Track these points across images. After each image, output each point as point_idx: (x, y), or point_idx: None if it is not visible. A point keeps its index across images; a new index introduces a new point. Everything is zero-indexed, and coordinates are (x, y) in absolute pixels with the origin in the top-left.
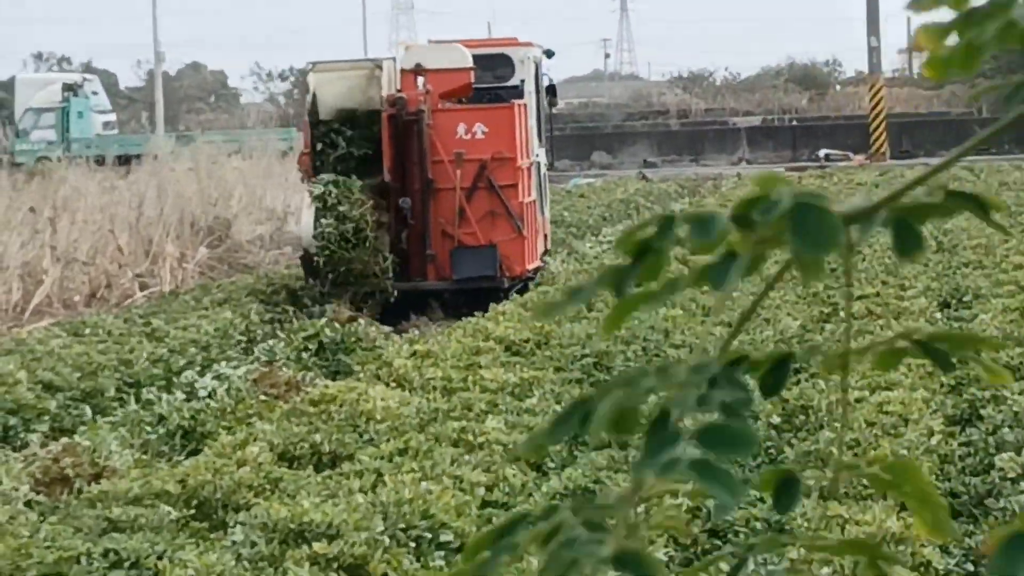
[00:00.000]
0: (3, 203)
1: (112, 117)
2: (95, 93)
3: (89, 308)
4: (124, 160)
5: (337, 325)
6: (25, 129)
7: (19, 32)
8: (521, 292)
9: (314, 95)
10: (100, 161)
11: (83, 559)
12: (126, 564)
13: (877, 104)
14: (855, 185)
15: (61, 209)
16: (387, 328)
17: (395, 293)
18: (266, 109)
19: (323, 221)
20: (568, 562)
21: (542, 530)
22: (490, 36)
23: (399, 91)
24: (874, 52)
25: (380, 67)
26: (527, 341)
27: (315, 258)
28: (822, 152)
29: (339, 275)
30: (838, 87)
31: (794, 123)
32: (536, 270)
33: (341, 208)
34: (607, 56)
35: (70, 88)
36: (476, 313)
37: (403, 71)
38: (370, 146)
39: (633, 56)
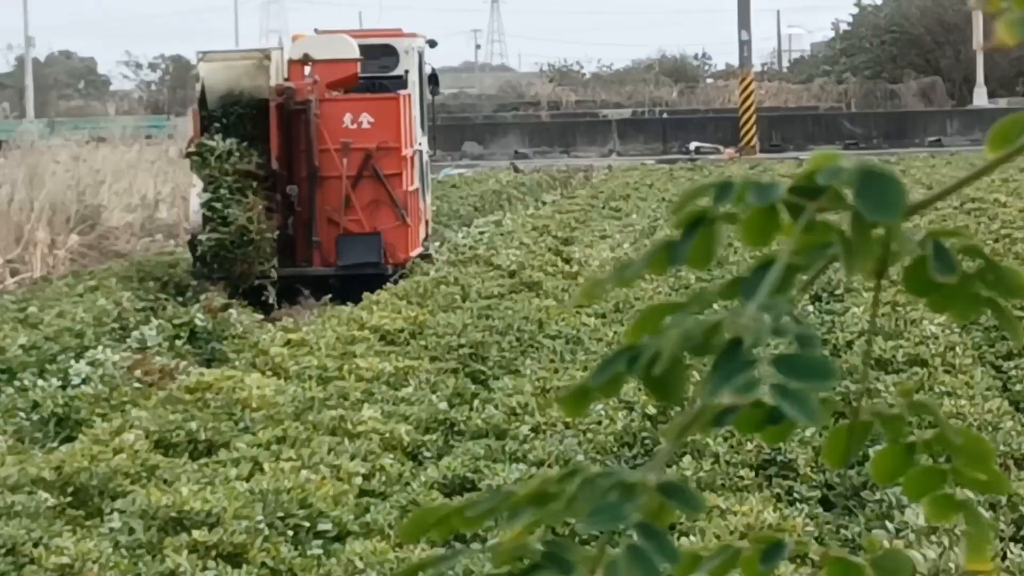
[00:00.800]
0: None
1: None
2: None
3: None
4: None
5: (210, 313)
6: None
7: None
8: (396, 281)
9: (203, 84)
10: None
11: None
12: (2, 551)
13: (747, 98)
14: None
15: None
16: (260, 316)
17: (273, 293)
18: (135, 97)
19: (204, 237)
20: (610, 486)
21: (551, 476)
22: (361, 26)
23: (287, 80)
24: (744, 46)
25: (269, 57)
26: (401, 331)
27: (199, 248)
28: (692, 145)
29: (224, 270)
30: (708, 80)
31: (664, 116)
32: (420, 256)
33: (229, 211)
34: (478, 47)
35: None
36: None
37: (291, 61)
38: (257, 134)
39: (504, 47)
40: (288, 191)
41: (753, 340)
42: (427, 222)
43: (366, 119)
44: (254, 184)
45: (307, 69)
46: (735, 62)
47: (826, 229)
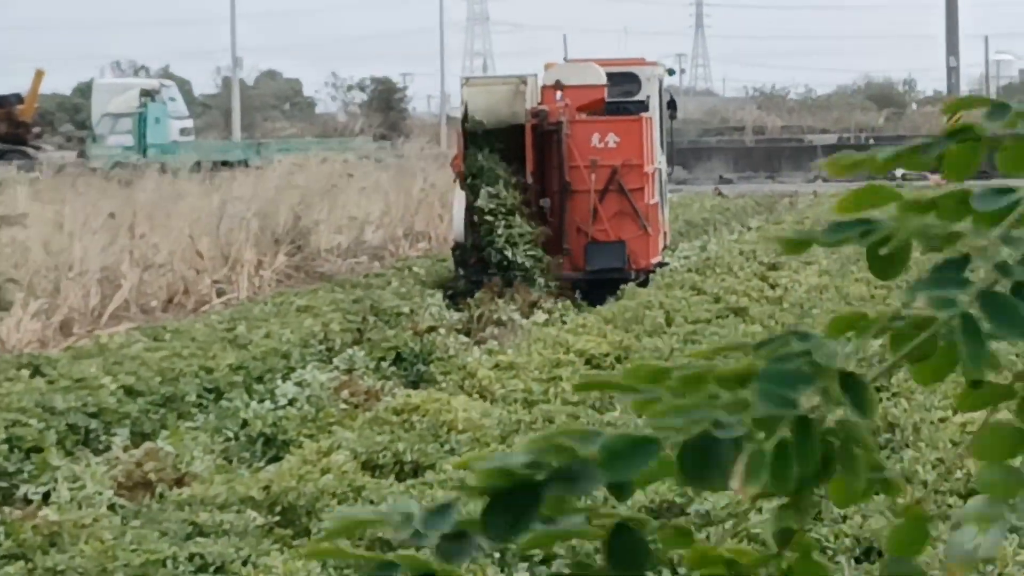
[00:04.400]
0: (83, 208)
1: (189, 123)
2: (172, 99)
3: (166, 313)
4: (212, 167)
5: (416, 335)
6: (101, 134)
7: (96, 36)
8: (643, 284)
9: (466, 106)
10: (192, 167)
11: (169, 563)
12: (212, 568)
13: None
14: None
15: (141, 214)
16: (465, 339)
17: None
18: (339, 118)
19: (470, 243)
20: (803, 360)
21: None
22: (566, 49)
23: (541, 104)
24: (952, 72)
25: (525, 82)
26: (607, 355)
27: (465, 248)
28: (899, 172)
29: (486, 274)
30: (915, 106)
31: (871, 141)
32: (658, 264)
33: (492, 221)
34: (682, 71)
35: (148, 94)
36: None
37: (544, 87)
38: (513, 152)
39: (708, 72)
40: (541, 203)
41: (981, 260)
42: (665, 234)
43: (612, 139)
44: (512, 197)
45: (558, 94)
46: (943, 88)
47: None
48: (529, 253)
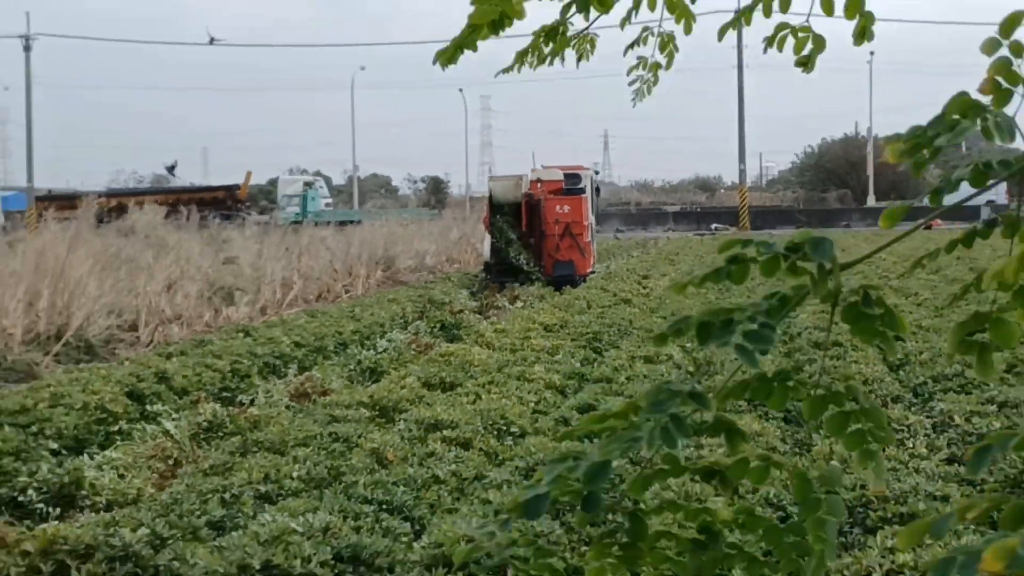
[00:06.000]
0: (273, 245)
1: (330, 200)
2: (321, 187)
3: (317, 303)
4: (341, 224)
5: (452, 315)
6: (283, 206)
7: (279, 154)
8: (575, 285)
9: (491, 191)
10: (326, 224)
11: (318, 437)
12: (341, 440)
13: (743, 201)
14: None
15: (304, 249)
16: (479, 316)
17: (537, 281)
18: (411, 198)
19: (493, 262)
20: (665, 393)
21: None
22: (533, 160)
23: (530, 190)
24: (742, 172)
25: (521, 178)
26: (555, 324)
27: (490, 264)
28: (713, 226)
29: (501, 277)
30: (722, 190)
31: (698, 209)
32: (590, 273)
33: (505, 249)
34: (598, 173)
35: (308, 184)
36: (556, 293)
37: (531, 181)
38: (516, 215)
39: (610, 172)
40: (530, 241)
41: (742, 320)
42: (594, 257)
43: (566, 208)
44: (514, 238)
45: (539, 184)
46: (736, 180)
47: (803, 270)
48: (524, 263)
